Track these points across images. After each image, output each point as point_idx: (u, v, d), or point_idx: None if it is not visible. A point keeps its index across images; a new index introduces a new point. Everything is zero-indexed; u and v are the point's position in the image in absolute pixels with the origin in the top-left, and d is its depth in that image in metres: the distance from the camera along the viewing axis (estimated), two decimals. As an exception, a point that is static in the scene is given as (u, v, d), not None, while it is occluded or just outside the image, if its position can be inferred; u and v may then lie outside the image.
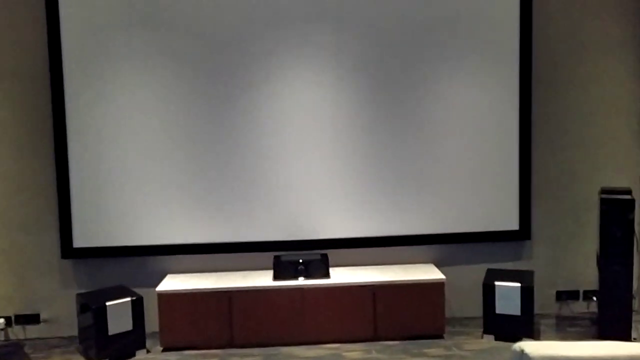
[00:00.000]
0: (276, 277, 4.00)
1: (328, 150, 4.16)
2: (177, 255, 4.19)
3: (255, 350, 3.87)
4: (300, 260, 4.01)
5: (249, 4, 4.05)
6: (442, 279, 3.97)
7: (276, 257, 4.10)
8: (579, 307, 4.41)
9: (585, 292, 4.40)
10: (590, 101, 4.29)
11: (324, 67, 4.11)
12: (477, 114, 4.19)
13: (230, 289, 3.89)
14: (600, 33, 4.24)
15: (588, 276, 4.37)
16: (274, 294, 3.91)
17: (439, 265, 4.32)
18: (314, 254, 4.14)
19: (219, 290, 3.89)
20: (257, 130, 4.12)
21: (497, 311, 3.90)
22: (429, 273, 4.06)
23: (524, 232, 4.29)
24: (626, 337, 3.80)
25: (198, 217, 4.15)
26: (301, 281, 3.95)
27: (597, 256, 4.04)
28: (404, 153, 4.19)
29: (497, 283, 3.91)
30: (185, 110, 4.09)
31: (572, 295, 4.41)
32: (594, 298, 4.36)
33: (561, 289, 4.40)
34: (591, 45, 4.25)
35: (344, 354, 3.79)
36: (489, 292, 3.91)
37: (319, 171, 4.17)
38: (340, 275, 4.06)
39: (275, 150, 4.14)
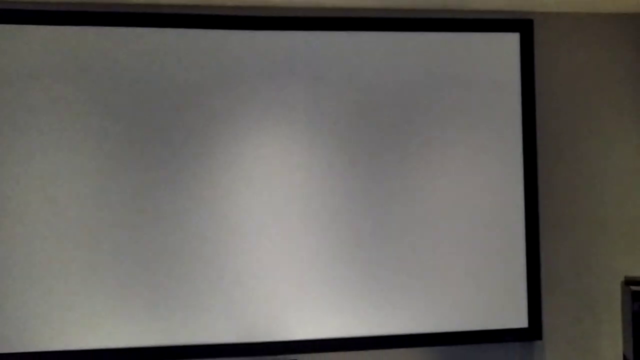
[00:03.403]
0: (231, 393, 3.08)
1: (299, 230, 3.39)
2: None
3: None
4: (264, 370, 3.12)
5: (203, 54, 3.38)
6: (443, 393, 3.14)
7: (232, 366, 3.20)
8: None
9: (607, 404, 3.64)
10: (602, 175, 3.72)
11: (294, 130, 3.43)
12: (477, 193, 3.54)
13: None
14: (610, 103, 3.75)
15: (610, 385, 3.63)
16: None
17: (434, 373, 3.50)
18: (280, 361, 3.27)
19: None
20: (211, 205, 3.34)
21: None
22: (426, 385, 3.24)
23: (534, 330, 3.55)
24: None
25: (127, 315, 3.23)
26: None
27: (625, 359, 3.33)
28: (392, 236, 3.46)
29: (512, 399, 3.10)
30: (120, 180, 3.28)
31: (591, 408, 3.64)
32: (620, 413, 3.60)
33: (579, 400, 3.63)
34: (600, 118, 3.74)
35: None
36: (502, 411, 3.10)
37: (288, 255, 3.37)
38: (314, 390, 3.19)
39: (232, 229, 3.34)
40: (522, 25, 3.62)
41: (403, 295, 3.44)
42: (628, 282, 3.32)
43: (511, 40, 3.61)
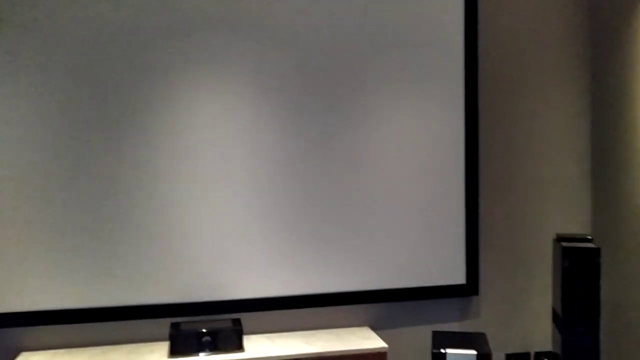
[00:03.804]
0: (173, 353, 3.05)
1: (241, 190, 3.34)
2: (34, 327, 3.13)
3: None
4: (204, 330, 3.10)
5: (142, 3, 3.21)
6: (383, 347, 3.22)
7: (173, 325, 3.16)
8: (531, 372, 3.83)
9: (536, 353, 3.84)
10: (539, 136, 3.83)
11: (237, 88, 3.33)
12: (417, 154, 3.58)
13: (108, 373, 2.90)
14: (549, 65, 3.83)
15: (539, 336, 3.82)
16: (170, 377, 2.96)
17: (375, 328, 3.58)
18: (223, 320, 3.25)
19: (93, 374, 2.88)
20: (151, 165, 3.23)
21: (449, 386, 3.20)
22: (367, 340, 3.30)
23: (471, 286, 3.68)
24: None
25: (66, 275, 3.13)
26: (206, 356, 3.04)
27: (555, 315, 3.50)
28: (334, 196, 3.46)
29: (449, 351, 3.22)
30: (54, 136, 3.12)
31: (522, 358, 3.82)
32: (547, 361, 3.81)
33: (510, 350, 3.81)
34: (539, 79, 3.82)
35: None
36: (439, 363, 3.21)
37: (230, 216, 3.33)
38: (257, 347, 3.20)
39: (173, 189, 3.26)
40: (466, -15, 3.63)
41: (346, 254, 3.47)
42: (559, 239, 3.47)
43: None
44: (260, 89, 3.35)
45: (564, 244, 3.36)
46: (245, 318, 3.39)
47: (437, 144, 3.60)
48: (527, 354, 3.85)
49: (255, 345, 3.23)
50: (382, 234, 3.53)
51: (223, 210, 3.31)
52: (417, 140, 3.57)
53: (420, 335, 3.64)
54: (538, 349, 3.83)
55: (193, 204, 3.27)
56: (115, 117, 3.18)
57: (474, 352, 3.20)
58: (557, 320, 3.43)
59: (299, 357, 3.11)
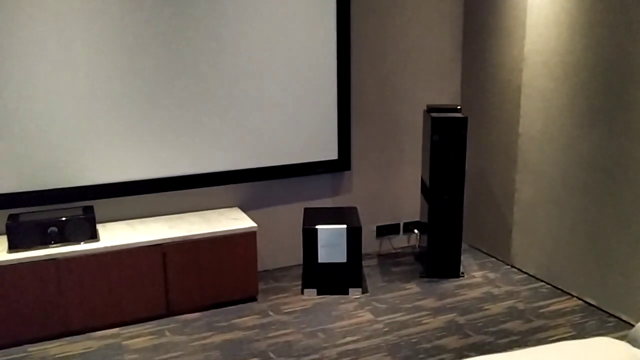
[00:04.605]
0: (13, 247, 2.70)
1: (92, 61, 2.87)
2: None
3: (-14, 358, 2.61)
4: (49, 220, 2.76)
5: None
6: (253, 227, 3.09)
7: (12, 217, 2.78)
8: (400, 241, 3.95)
9: (405, 224, 3.95)
10: (411, 10, 3.65)
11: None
12: (290, 23, 3.26)
13: None
14: None
15: (407, 207, 3.91)
16: (12, 274, 2.63)
17: (246, 209, 3.43)
18: (72, 209, 2.91)
19: None
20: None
21: (320, 260, 3.19)
22: (236, 220, 3.15)
23: (343, 161, 3.60)
24: (454, 272, 3.41)
25: None
26: (54, 249, 2.73)
27: (423, 185, 3.55)
28: (197, 67, 3.10)
29: (319, 227, 3.17)
30: None
31: (392, 229, 3.92)
32: (415, 231, 3.94)
33: (381, 223, 3.88)
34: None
35: (125, 342, 2.74)
36: (310, 238, 3.16)
37: (78, 92, 2.88)
38: (114, 235, 2.93)
39: (21, 65, 2.72)
40: None
41: (213, 134, 3.20)
42: (429, 109, 3.43)
43: None
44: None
45: (434, 114, 3.33)
46: (100, 205, 3.08)
47: (309, 18, 3.30)
48: (397, 225, 3.95)
49: (112, 233, 2.96)
50: (251, 111, 3.27)
51: (72, 85, 2.85)
52: (291, 16, 3.24)
53: (293, 213, 3.56)
54: (407, 220, 3.93)
55: (41, 87, 2.77)
56: None
57: (343, 225, 3.18)
58: (425, 189, 3.48)
59: (162, 242, 2.90)
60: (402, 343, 2.70)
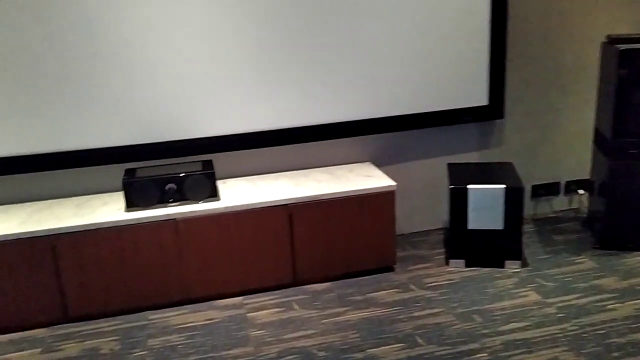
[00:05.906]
0: (131, 205, 2.45)
1: (222, 20, 2.50)
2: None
3: (106, 323, 2.41)
4: (167, 175, 2.46)
5: None
6: (391, 185, 2.62)
7: (128, 172, 2.52)
8: (559, 203, 3.31)
9: (567, 183, 3.29)
10: None
11: None
12: None
13: (54, 232, 2.31)
14: None
15: (570, 163, 3.24)
16: (129, 233, 2.39)
17: (378, 164, 2.97)
18: (190, 163, 2.61)
19: (35, 235, 2.30)
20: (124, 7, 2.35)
21: (470, 226, 2.66)
22: (370, 178, 2.70)
23: (495, 108, 2.99)
24: (638, 245, 2.74)
25: (41, 120, 2.43)
26: (172, 208, 2.45)
27: (598, 136, 2.87)
28: (341, 12, 2.62)
29: (470, 186, 2.63)
30: None
31: (550, 188, 3.28)
32: (580, 191, 3.27)
33: (537, 182, 3.25)
34: None
35: (250, 314, 2.42)
36: (458, 200, 2.64)
37: (198, 38, 2.52)
38: (236, 193, 2.60)
39: (142, 30, 2.41)
40: None
41: (344, 79, 2.73)
42: (611, 40, 2.71)
43: None
44: None
45: (620, 46, 2.61)
46: (220, 159, 2.76)
47: None
48: (556, 184, 3.30)
49: (233, 191, 2.62)
50: (384, 50, 2.75)
51: (193, 38, 2.50)
52: None
53: (432, 169, 3.05)
54: (569, 178, 3.27)
55: (157, 45, 2.46)
56: None
57: (502, 185, 2.61)
58: (602, 141, 2.80)
59: (288, 202, 2.52)
60: (586, 335, 2.14)
